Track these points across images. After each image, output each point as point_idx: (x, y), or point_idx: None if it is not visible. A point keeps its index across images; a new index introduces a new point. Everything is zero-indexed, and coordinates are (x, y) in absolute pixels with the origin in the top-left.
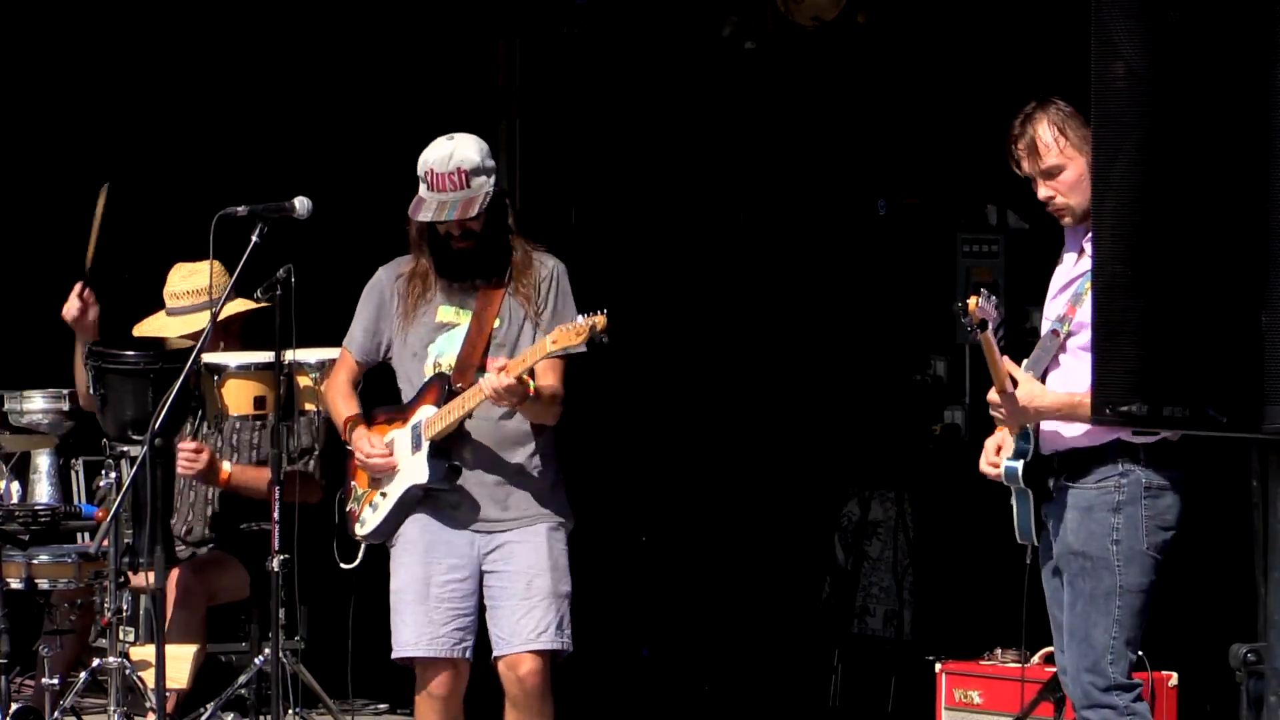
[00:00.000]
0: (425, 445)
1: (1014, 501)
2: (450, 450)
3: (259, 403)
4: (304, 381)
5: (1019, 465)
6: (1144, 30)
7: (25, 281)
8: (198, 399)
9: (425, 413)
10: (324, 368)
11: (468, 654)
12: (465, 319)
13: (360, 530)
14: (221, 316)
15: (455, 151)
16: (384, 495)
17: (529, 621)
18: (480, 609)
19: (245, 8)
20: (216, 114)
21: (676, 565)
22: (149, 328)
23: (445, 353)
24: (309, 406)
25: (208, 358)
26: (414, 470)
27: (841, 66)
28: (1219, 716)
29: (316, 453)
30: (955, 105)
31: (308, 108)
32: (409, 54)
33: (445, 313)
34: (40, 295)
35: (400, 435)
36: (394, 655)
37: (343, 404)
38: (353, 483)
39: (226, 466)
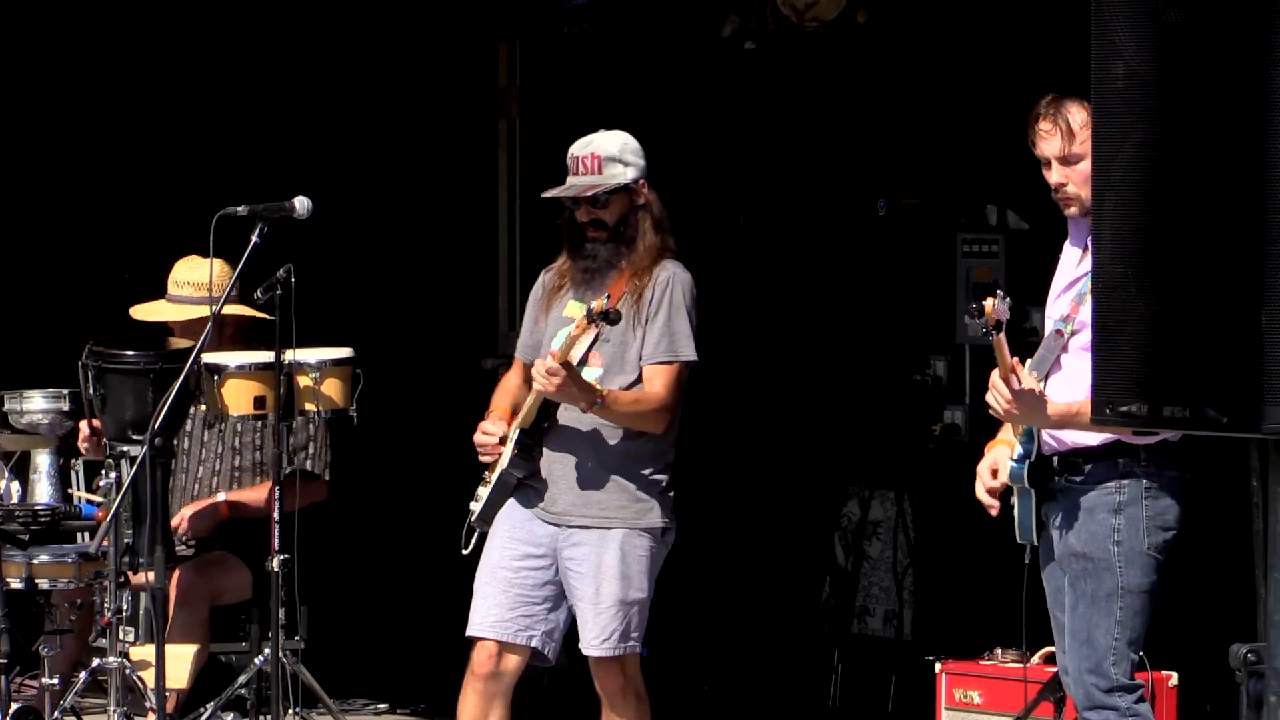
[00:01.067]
0: (516, 433)
1: (1015, 501)
2: (538, 434)
3: (259, 403)
4: (304, 381)
5: (1024, 466)
6: (1144, 30)
7: (25, 282)
8: (199, 396)
9: (528, 399)
10: (323, 368)
11: (532, 641)
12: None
13: (473, 516)
14: (223, 312)
15: (595, 139)
16: (488, 483)
17: (594, 628)
18: (559, 599)
19: (245, 8)
20: (216, 114)
21: (677, 565)
22: (145, 310)
23: (557, 345)
24: (309, 406)
25: (208, 358)
26: (506, 454)
27: (841, 66)
28: (1219, 716)
29: (312, 450)
30: (955, 105)
31: (308, 108)
32: (409, 54)
33: (572, 308)
34: (41, 296)
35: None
36: (467, 633)
37: (497, 399)
38: (485, 473)
39: (221, 496)
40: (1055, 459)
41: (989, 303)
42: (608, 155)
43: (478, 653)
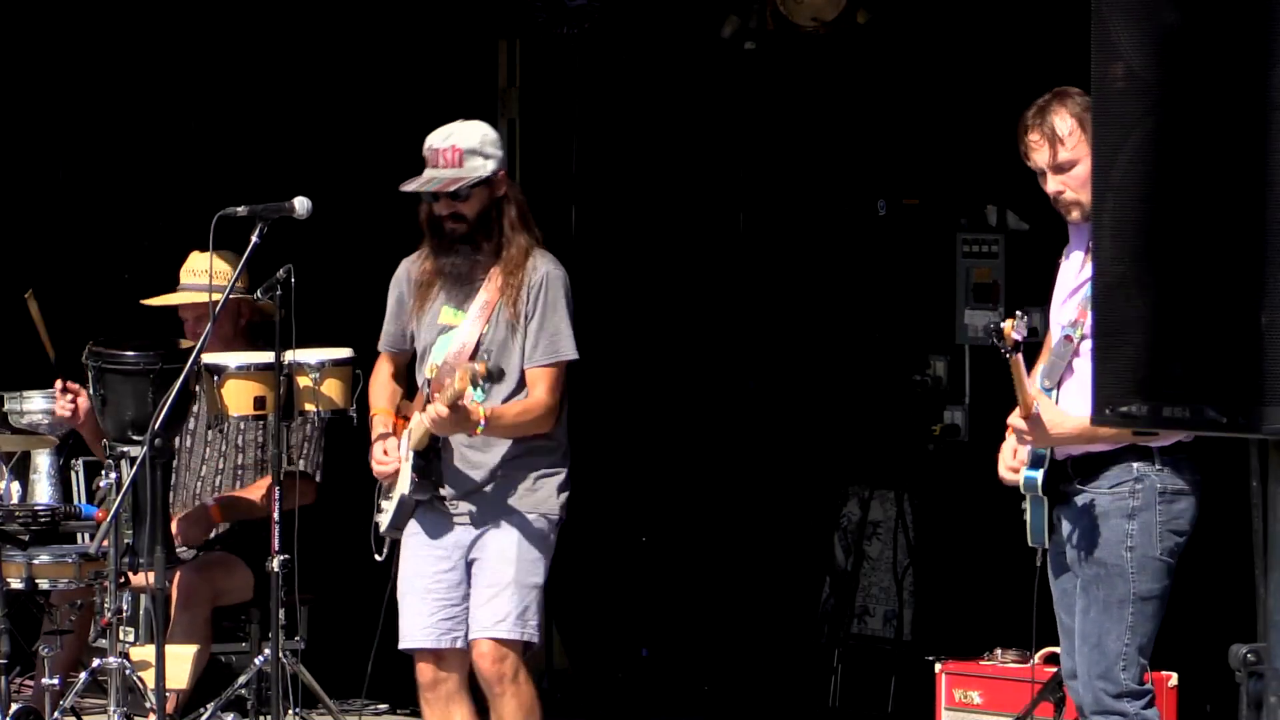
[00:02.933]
0: (410, 454)
1: (1028, 505)
2: (432, 454)
3: (259, 403)
4: (303, 382)
5: (1038, 474)
6: (1144, 30)
7: (26, 282)
8: (197, 396)
9: (415, 420)
10: (323, 368)
11: (457, 643)
12: (461, 320)
13: (381, 525)
14: (230, 296)
15: (455, 131)
16: (390, 497)
17: (489, 610)
18: None
19: (245, 8)
20: (216, 114)
21: (676, 565)
22: (158, 300)
23: (440, 355)
24: (308, 407)
25: (208, 358)
26: (404, 478)
27: (841, 67)
28: (1219, 716)
29: (306, 451)
30: (955, 105)
31: (308, 108)
32: (409, 54)
33: (446, 313)
34: (41, 296)
35: (403, 439)
36: (399, 646)
37: (374, 397)
38: (384, 483)
39: (209, 500)
40: (1069, 463)
41: (1007, 324)
42: (468, 148)
43: (420, 663)
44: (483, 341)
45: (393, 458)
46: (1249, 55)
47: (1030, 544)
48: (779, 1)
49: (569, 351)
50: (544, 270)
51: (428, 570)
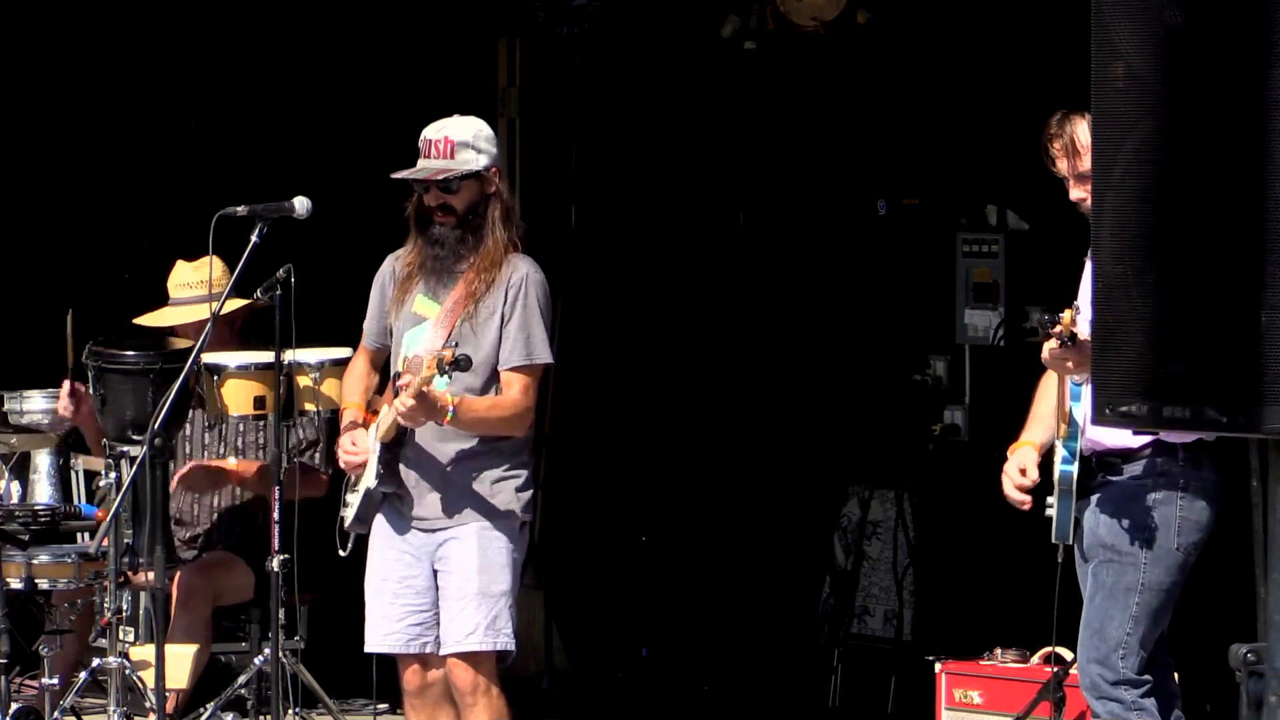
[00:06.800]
0: (377, 447)
1: (1055, 500)
2: (399, 447)
3: (259, 403)
4: (303, 381)
5: (1073, 469)
6: (1144, 30)
7: (25, 282)
8: (198, 397)
9: (384, 412)
10: (323, 368)
11: (426, 648)
12: (435, 313)
13: (345, 521)
14: (222, 312)
15: (449, 124)
16: (356, 490)
17: (459, 624)
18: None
19: (245, 8)
20: (216, 114)
21: (676, 565)
22: (150, 319)
23: (412, 346)
24: (308, 406)
25: (208, 358)
26: (370, 471)
27: (841, 66)
28: (1219, 716)
29: (320, 445)
30: (955, 105)
31: (308, 108)
32: (409, 54)
33: (420, 303)
34: (40, 295)
35: (371, 431)
36: (365, 649)
37: (347, 389)
38: (352, 475)
39: (231, 461)
40: (1093, 459)
41: (1066, 314)
42: (460, 140)
43: (401, 668)
44: (454, 334)
45: (360, 449)
46: (1249, 55)
47: (1054, 541)
48: (779, 1)
49: (544, 355)
50: (524, 271)
51: (395, 573)
